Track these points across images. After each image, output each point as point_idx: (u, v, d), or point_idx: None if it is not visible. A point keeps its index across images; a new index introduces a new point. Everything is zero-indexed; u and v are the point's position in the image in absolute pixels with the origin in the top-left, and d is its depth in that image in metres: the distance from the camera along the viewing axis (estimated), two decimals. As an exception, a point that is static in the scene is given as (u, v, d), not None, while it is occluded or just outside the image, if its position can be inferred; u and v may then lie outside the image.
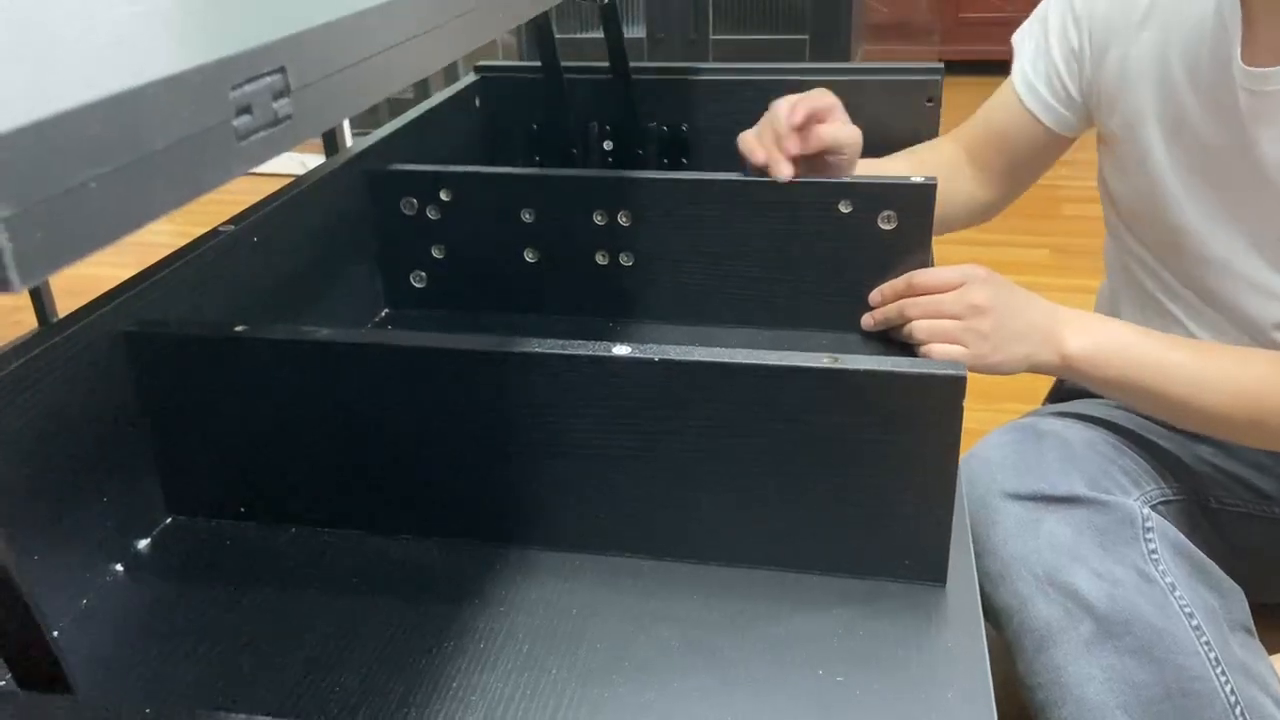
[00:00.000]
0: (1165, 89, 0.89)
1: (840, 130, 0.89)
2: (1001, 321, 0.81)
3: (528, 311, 0.95)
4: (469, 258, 0.94)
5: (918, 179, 0.84)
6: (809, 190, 0.86)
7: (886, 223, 0.85)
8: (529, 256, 0.93)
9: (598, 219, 0.90)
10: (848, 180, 0.86)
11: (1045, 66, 0.99)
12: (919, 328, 0.82)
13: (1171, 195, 0.90)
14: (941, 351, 0.81)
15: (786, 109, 0.88)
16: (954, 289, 0.82)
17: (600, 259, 0.92)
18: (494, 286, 0.95)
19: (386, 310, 0.97)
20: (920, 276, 0.83)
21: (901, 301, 0.84)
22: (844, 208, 0.85)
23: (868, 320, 0.87)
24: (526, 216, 0.91)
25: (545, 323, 0.94)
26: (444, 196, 0.92)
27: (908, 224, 0.85)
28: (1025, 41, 1.02)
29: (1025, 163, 1.05)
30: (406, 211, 0.93)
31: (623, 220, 0.90)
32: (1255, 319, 0.88)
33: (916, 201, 0.84)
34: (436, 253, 0.94)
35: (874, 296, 0.87)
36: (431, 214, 0.92)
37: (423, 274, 0.95)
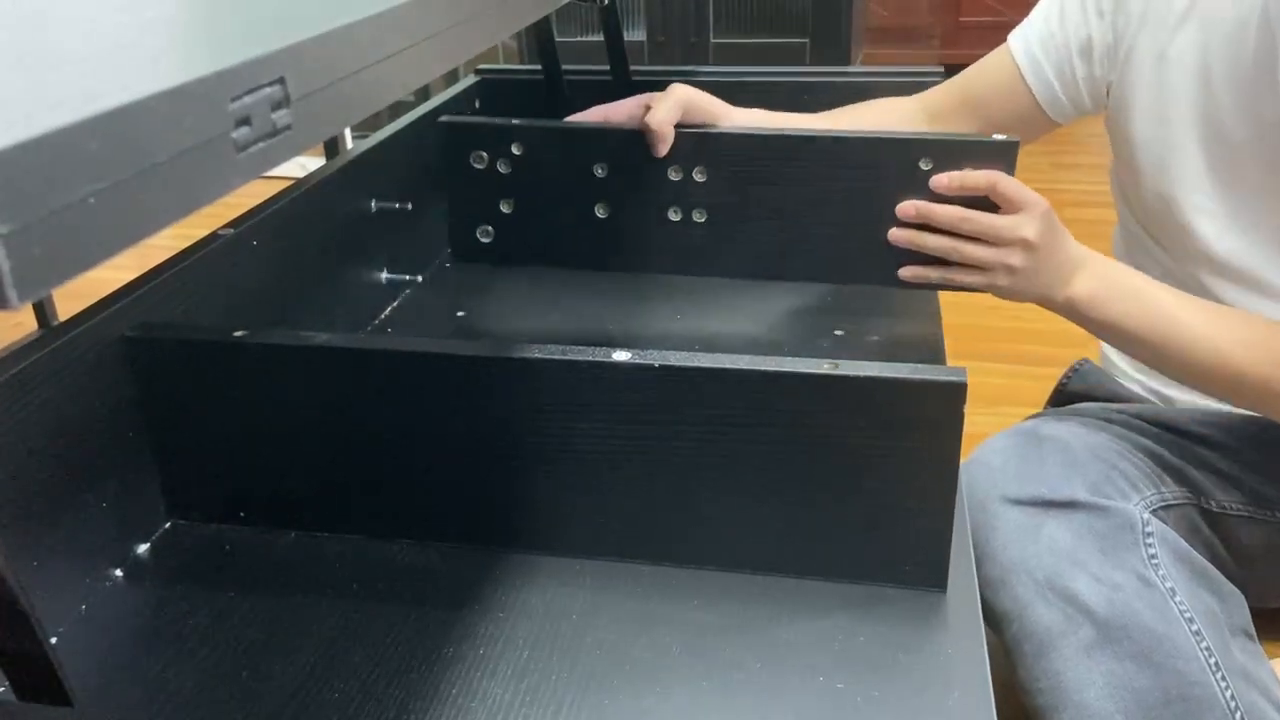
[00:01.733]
0: (1203, 92, 0.88)
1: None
2: (1037, 262, 0.81)
3: (592, 268, 0.94)
4: (538, 213, 0.93)
5: (1000, 137, 0.85)
6: (889, 148, 0.86)
7: None
8: (600, 212, 0.93)
9: (673, 175, 0.90)
10: (929, 137, 0.86)
11: (1057, 51, 0.97)
12: (958, 250, 0.83)
13: (1193, 197, 0.90)
14: (961, 277, 0.83)
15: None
16: (1016, 214, 0.81)
17: (673, 215, 0.92)
18: (561, 242, 0.94)
19: (449, 265, 0.98)
20: (1005, 184, 0.82)
21: (963, 212, 0.83)
22: (924, 165, 0.85)
23: (909, 209, 0.86)
24: (599, 171, 0.91)
25: (609, 279, 0.94)
26: (515, 150, 0.91)
27: None
28: (1037, 21, 1.00)
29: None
30: (476, 165, 0.93)
31: (698, 176, 0.90)
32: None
33: (998, 158, 0.84)
34: (505, 207, 0.94)
35: (940, 181, 0.84)
36: (502, 168, 0.92)
37: (489, 228, 0.96)
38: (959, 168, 0.84)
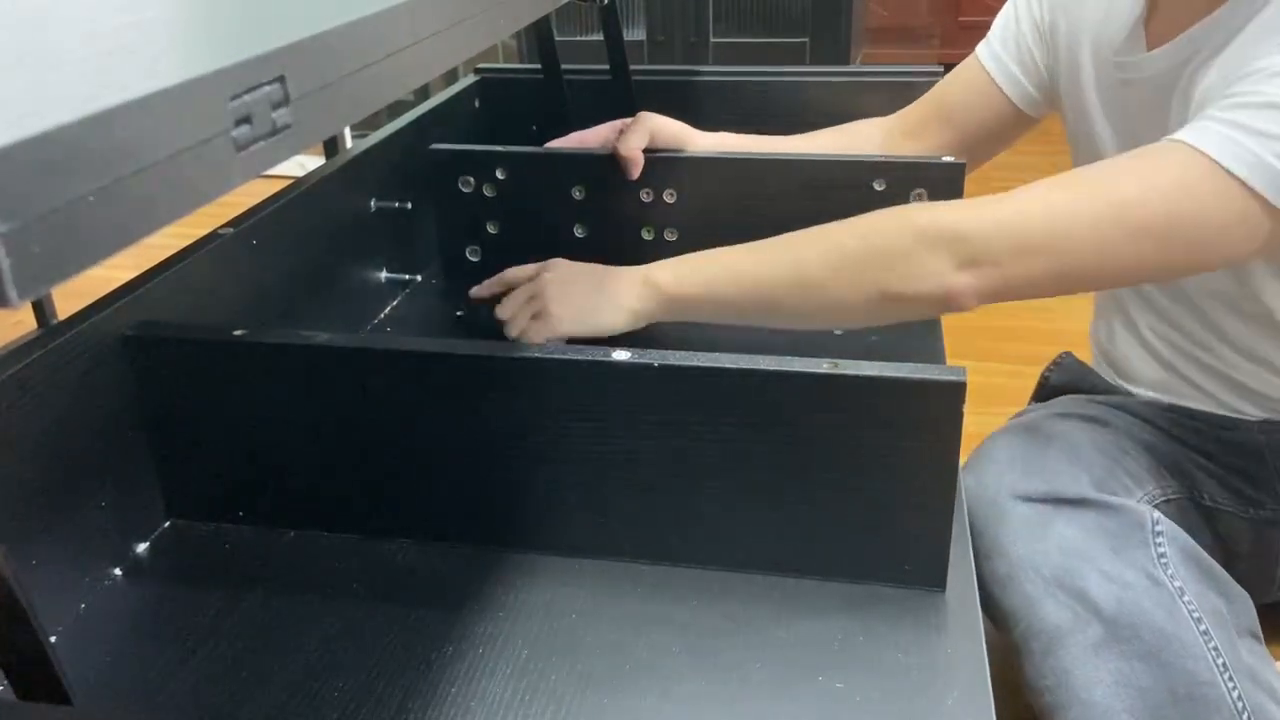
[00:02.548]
0: (1099, 75, 0.91)
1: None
2: (559, 293, 0.83)
3: None
4: (521, 233, 0.99)
5: (947, 159, 0.89)
6: (846, 169, 0.90)
7: (918, 200, 0.90)
8: (578, 232, 0.97)
9: (644, 196, 0.95)
10: (881, 159, 0.91)
11: (1015, 42, 1.00)
12: (509, 326, 0.85)
13: None
14: (519, 334, 0.84)
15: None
16: (529, 280, 0.86)
17: (646, 234, 0.96)
18: (543, 260, 0.97)
19: (439, 282, 1.03)
20: (509, 272, 0.88)
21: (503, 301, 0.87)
22: (878, 185, 0.90)
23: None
24: (577, 194, 0.96)
25: None
26: (500, 175, 0.96)
27: (937, 200, 0.88)
28: (996, 26, 1.03)
29: (979, 138, 1.04)
30: (464, 189, 0.98)
31: (668, 198, 0.94)
32: (1201, 306, 0.91)
33: (946, 179, 0.88)
34: (491, 228, 0.99)
35: (475, 291, 0.90)
36: (488, 191, 0.97)
37: (477, 248, 1.00)
38: (909, 187, 0.90)
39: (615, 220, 0.96)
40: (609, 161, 0.93)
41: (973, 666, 0.55)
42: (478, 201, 0.97)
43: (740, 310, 0.81)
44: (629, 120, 0.95)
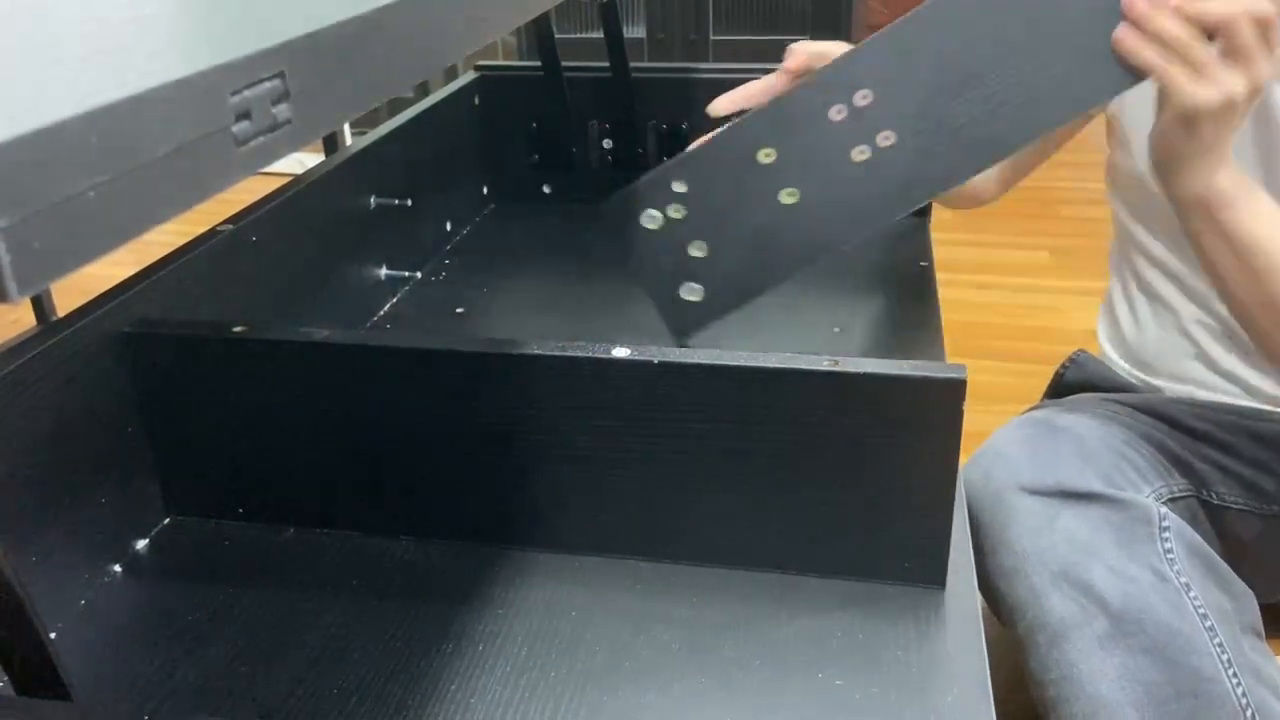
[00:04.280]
0: None
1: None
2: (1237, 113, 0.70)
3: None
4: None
5: None
6: None
7: None
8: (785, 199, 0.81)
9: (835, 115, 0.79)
10: None
11: None
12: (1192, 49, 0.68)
13: None
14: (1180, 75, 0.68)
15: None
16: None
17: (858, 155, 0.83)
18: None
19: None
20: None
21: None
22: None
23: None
24: (764, 158, 0.80)
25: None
26: (678, 189, 0.82)
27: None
28: None
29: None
30: (650, 225, 0.84)
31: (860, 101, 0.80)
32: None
33: None
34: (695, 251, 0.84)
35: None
36: (674, 214, 0.83)
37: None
38: None
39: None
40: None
41: (972, 663, 0.55)
42: (674, 230, 0.84)
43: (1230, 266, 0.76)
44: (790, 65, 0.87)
